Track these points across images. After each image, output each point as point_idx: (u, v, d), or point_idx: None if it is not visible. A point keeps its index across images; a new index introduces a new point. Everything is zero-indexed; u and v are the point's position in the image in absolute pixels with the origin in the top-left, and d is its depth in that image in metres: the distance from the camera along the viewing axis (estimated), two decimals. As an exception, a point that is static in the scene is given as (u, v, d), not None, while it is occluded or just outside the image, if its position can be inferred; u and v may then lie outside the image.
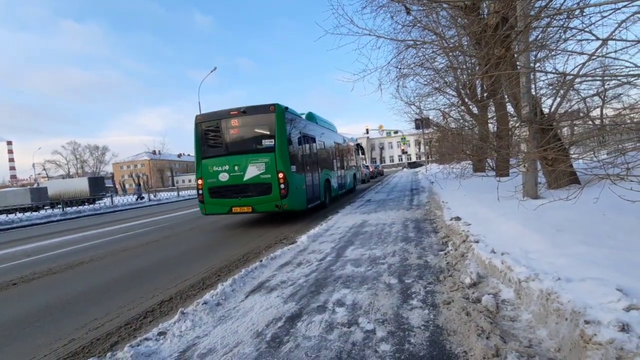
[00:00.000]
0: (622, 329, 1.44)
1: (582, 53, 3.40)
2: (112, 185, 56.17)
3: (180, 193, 29.40)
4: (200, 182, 8.25)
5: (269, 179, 7.64)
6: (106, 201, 25.00)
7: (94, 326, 3.14)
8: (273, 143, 7.70)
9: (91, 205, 23.43)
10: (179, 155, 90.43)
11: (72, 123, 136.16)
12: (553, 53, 4.57)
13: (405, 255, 4.09)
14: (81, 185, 32.01)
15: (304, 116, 10.45)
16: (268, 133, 7.82)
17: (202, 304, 3.00)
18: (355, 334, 2.28)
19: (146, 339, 2.55)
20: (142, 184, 33.10)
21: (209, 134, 8.30)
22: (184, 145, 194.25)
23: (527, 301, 2.21)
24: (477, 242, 3.52)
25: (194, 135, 8.39)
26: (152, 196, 26.66)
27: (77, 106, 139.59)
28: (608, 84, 3.52)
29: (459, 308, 2.38)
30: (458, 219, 4.87)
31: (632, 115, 4.78)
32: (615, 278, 1.86)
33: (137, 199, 24.98)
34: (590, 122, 4.88)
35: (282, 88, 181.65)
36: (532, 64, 4.92)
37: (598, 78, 3.54)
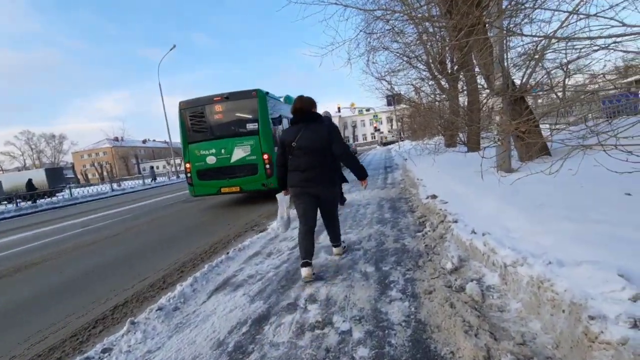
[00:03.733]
0: (635, 326, 1.23)
1: (557, 10, 3.21)
2: (73, 176, 52.85)
3: (145, 181, 28.23)
4: (188, 165, 8.58)
5: (255, 160, 8.09)
6: (64, 194, 23.44)
7: (37, 340, 2.73)
8: (257, 126, 8.09)
9: (49, 199, 21.84)
10: (144, 141, 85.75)
11: (20, 110, 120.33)
12: (527, 19, 4.39)
13: (381, 239, 3.87)
14: (38, 177, 29.72)
15: (282, 99, 10.45)
16: (251, 117, 8.16)
17: (156, 310, 2.63)
18: (330, 337, 2.02)
19: (87, 359, 2.18)
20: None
21: (194, 119, 8.52)
22: (149, 131, 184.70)
23: (514, 288, 2.02)
24: (455, 222, 3.34)
25: (179, 121, 8.59)
26: (115, 185, 25.27)
27: (20, 91, 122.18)
28: (570, 56, 3.43)
29: (441, 299, 2.16)
30: (434, 197, 4.70)
31: (591, 85, 4.72)
32: (612, 260, 1.68)
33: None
34: (553, 95, 4.78)
35: (247, 67, 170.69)
36: (505, 31, 4.70)
37: (561, 48, 3.42)
